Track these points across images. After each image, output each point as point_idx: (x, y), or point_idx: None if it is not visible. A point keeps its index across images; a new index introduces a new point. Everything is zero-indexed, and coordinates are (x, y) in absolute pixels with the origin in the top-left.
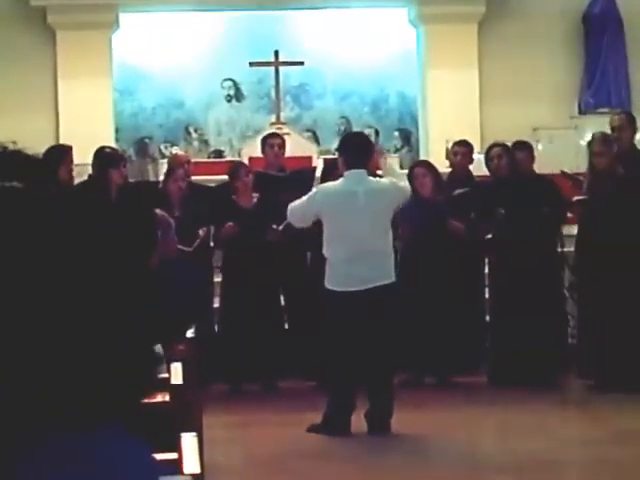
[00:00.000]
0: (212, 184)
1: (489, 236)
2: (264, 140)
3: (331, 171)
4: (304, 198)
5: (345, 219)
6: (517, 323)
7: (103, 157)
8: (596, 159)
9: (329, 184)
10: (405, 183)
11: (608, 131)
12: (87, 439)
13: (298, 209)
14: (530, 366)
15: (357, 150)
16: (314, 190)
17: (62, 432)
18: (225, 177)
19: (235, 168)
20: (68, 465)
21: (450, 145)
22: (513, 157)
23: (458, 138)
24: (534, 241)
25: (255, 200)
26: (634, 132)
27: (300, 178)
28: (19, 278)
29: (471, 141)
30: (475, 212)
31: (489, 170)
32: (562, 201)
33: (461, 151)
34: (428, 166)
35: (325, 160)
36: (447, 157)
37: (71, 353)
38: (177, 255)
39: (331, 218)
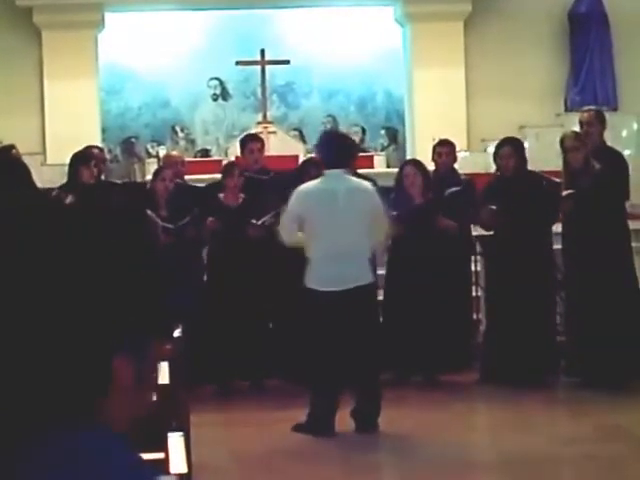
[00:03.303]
0: (199, 183)
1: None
2: (243, 143)
3: (306, 170)
4: (285, 210)
5: (325, 218)
6: (509, 321)
7: (73, 156)
8: (571, 155)
9: (308, 184)
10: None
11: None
12: (70, 439)
13: (284, 221)
14: (521, 364)
15: (337, 150)
16: (294, 193)
17: (46, 433)
18: (212, 176)
19: (230, 166)
20: (52, 465)
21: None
22: (521, 156)
23: (445, 136)
24: (529, 239)
25: (241, 200)
26: (603, 128)
27: (285, 180)
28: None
29: (458, 139)
30: (471, 209)
31: (496, 166)
32: (554, 198)
33: (444, 151)
34: (419, 165)
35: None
36: (432, 158)
37: (59, 355)
38: (163, 240)
39: (312, 218)
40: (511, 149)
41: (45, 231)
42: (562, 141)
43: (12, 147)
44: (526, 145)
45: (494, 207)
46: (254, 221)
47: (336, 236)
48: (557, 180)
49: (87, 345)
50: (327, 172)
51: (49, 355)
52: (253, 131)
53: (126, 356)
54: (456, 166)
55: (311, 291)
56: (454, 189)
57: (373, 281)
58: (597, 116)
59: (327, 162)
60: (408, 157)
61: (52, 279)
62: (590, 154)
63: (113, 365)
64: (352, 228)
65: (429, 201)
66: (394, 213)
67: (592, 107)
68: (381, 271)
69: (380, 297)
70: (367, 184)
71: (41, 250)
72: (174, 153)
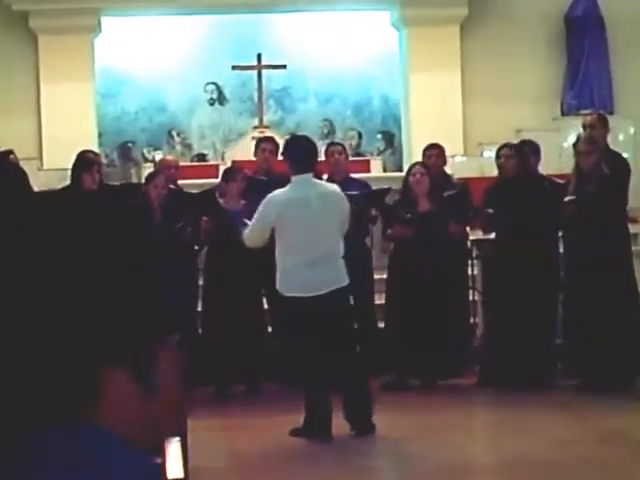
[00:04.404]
0: (196, 188)
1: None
2: (258, 142)
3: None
4: (256, 216)
5: (301, 226)
6: (508, 324)
7: (76, 161)
8: (582, 159)
9: (279, 192)
10: None
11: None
12: (70, 438)
13: (254, 228)
14: (520, 367)
15: (303, 154)
16: (265, 201)
17: (45, 432)
18: (209, 180)
19: (232, 171)
20: (51, 463)
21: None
22: (522, 158)
23: (441, 140)
24: (530, 241)
25: (242, 205)
26: (606, 131)
27: (283, 182)
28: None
29: (454, 143)
30: (470, 213)
31: (498, 168)
32: (556, 200)
33: (434, 153)
34: (427, 168)
35: None
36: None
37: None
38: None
39: (287, 226)
40: (511, 150)
41: (44, 232)
42: (575, 144)
43: (10, 152)
44: None
45: (491, 210)
46: (247, 221)
47: (311, 242)
48: (560, 181)
49: (83, 345)
50: (296, 178)
51: (45, 354)
52: (250, 135)
53: (125, 362)
54: (448, 169)
55: (290, 298)
56: (450, 192)
57: (347, 283)
58: (600, 119)
59: (296, 168)
60: (405, 161)
61: (51, 280)
62: (601, 157)
63: (110, 370)
64: (326, 232)
65: (434, 205)
66: (408, 215)
67: (589, 110)
68: (379, 275)
69: (379, 301)
70: (335, 187)
71: (39, 250)
72: (169, 157)
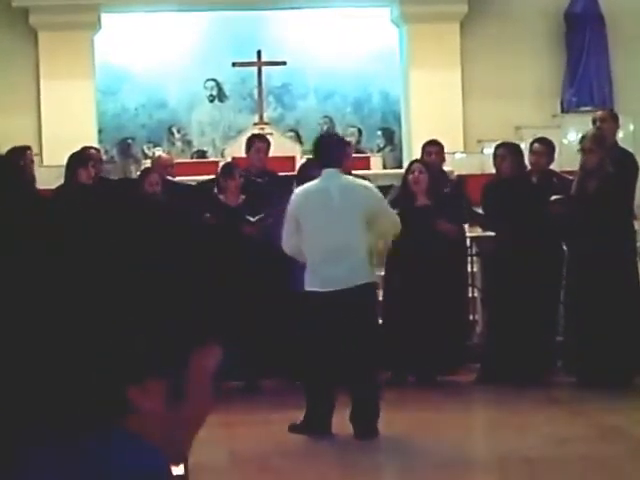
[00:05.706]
0: (193, 183)
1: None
2: (250, 141)
3: (304, 171)
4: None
5: (320, 217)
6: (508, 321)
7: (71, 158)
8: (586, 156)
9: (304, 185)
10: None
11: (589, 127)
12: (90, 440)
13: (285, 228)
14: (520, 364)
15: (330, 150)
16: (291, 197)
17: (66, 432)
18: (208, 177)
19: (229, 168)
20: (69, 466)
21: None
22: (518, 158)
23: (441, 137)
24: (532, 240)
25: (241, 200)
26: (616, 127)
27: (282, 182)
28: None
29: (454, 140)
30: (466, 213)
31: (495, 169)
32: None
33: (434, 150)
34: (426, 166)
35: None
36: (422, 158)
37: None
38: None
39: (307, 218)
40: (505, 151)
41: (51, 229)
42: (581, 141)
43: (27, 148)
44: (522, 146)
45: (481, 213)
46: (250, 218)
47: (330, 235)
48: (569, 177)
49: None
50: (324, 172)
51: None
52: (250, 132)
53: (155, 377)
54: (447, 166)
55: (308, 293)
56: (448, 190)
57: (371, 281)
58: (611, 115)
59: (323, 162)
60: (404, 158)
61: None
62: (607, 156)
63: (136, 387)
64: (347, 227)
65: (433, 202)
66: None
67: (589, 107)
68: (377, 272)
69: (379, 297)
70: (364, 181)
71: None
72: (164, 155)
